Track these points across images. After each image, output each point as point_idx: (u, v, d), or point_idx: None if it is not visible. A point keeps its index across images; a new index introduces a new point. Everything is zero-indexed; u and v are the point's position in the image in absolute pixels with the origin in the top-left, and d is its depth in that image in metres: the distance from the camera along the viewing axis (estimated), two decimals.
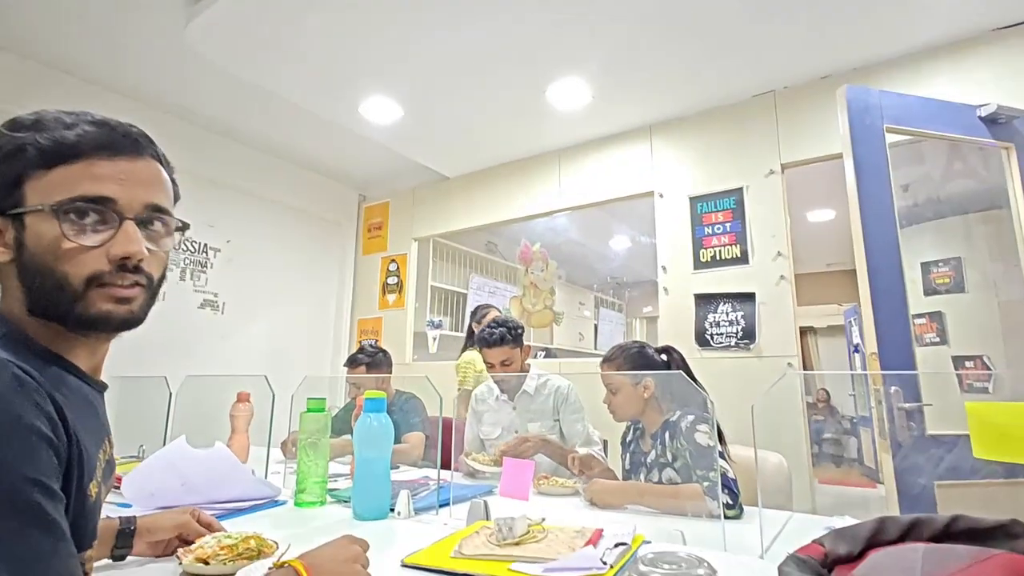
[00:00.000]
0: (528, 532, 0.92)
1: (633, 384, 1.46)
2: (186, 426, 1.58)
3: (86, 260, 0.59)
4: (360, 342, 4.19)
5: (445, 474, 1.50)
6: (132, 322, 0.63)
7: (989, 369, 2.84)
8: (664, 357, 1.55)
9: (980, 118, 2.03)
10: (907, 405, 1.68)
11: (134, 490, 1.18)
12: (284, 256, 3.91)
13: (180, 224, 0.69)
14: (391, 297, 4.07)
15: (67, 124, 0.60)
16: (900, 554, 0.62)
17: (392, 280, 4.10)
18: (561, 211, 3.51)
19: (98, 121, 0.62)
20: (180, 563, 0.85)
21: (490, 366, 2.06)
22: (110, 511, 1.17)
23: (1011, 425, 0.79)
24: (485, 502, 1.12)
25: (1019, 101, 2.05)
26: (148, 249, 0.63)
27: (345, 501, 1.32)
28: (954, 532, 0.63)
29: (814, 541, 0.67)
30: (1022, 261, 1.96)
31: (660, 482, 1.41)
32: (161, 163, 0.67)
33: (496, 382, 2.11)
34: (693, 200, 2.91)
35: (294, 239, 4.01)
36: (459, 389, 2.85)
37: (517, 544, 0.89)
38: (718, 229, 2.80)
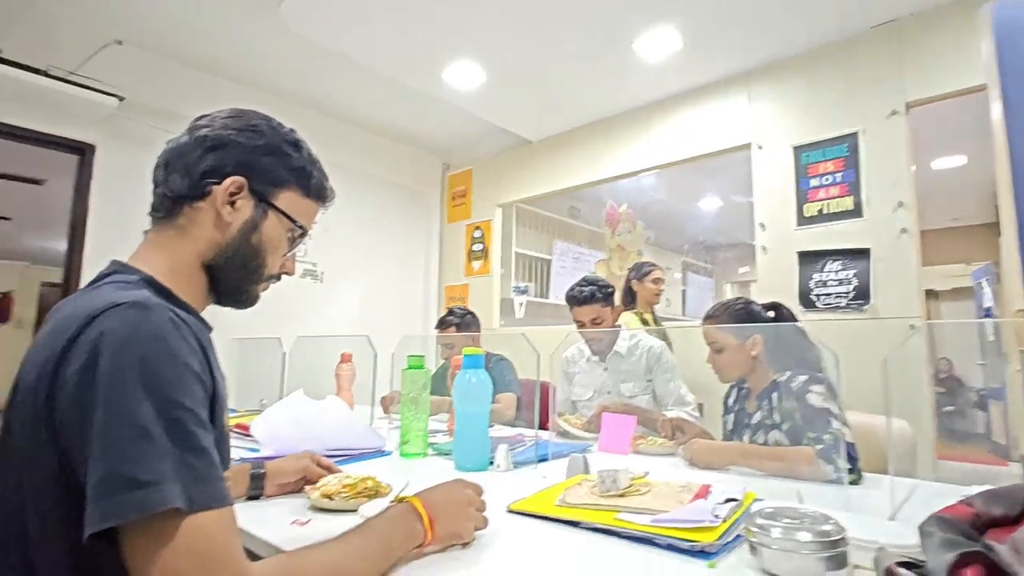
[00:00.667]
0: (631, 485, 0.91)
1: (740, 342, 1.38)
2: (297, 382, 1.70)
3: (278, 262, 0.77)
4: (447, 307, 4.32)
5: (541, 433, 1.52)
6: (254, 304, 0.80)
7: None
8: (771, 314, 1.46)
9: None
10: None
11: (263, 434, 1.29)
12: (374, 227, 4.08)
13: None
14: (476, 264, 4.14)
15: (325, 175, 0.80)
16: None
17: (477, 247, 4.16)
18: (650, 170, 3.37)
19: (328, 179, 0.81)
20: (308, 498, 0.93)
21: (579, 324, 2.04)
22: (241, 455, 1.30)
23: None
24: (584, 457, 1.12)
25: None
26: None
27: (446, 454, 1.37)
28: None
29: (960, 502, 0.60)
30: None
31: (766, 444, 1.34)
32: None
33: (587, 343, 2.09)
34: (797, 150, 2.67)
35: (382, 210, 4.17)
36: None
37: (621, 496, 0.88)
38: (827, 180, 2.56)
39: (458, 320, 2.41)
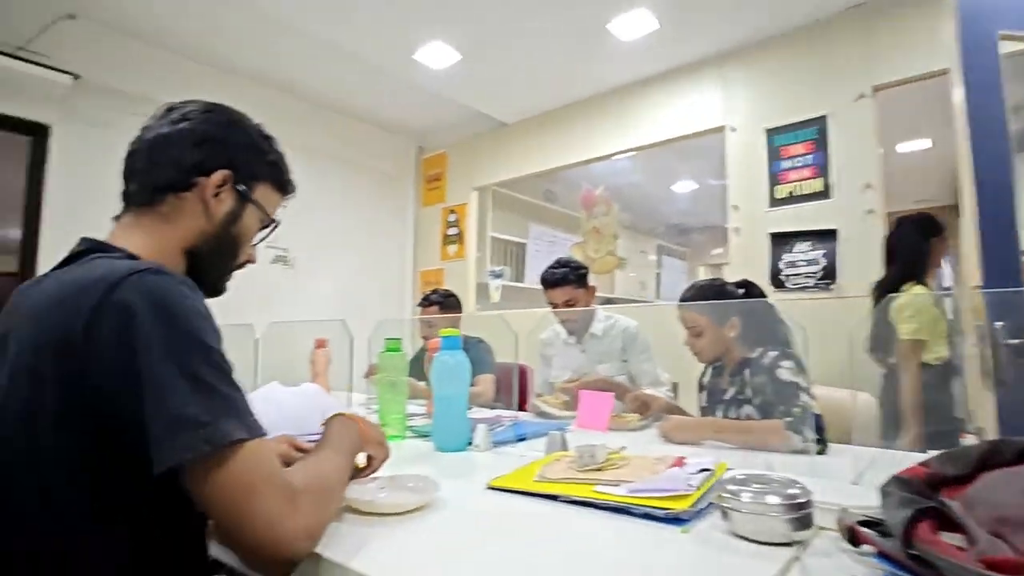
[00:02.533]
0: (608, 460, 0.93)
1: (718, 324, 1.41)
2: (271, 370, 1.68)
3: (246, 252, 0.82)
4: (423, 292, 4.30)
5: (520, 414, 1.53)
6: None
7: None
8: (742, 292, 1.49)
9: None
10: (1015, 341, 1.54)
11: None
12: (346, 211, 4.01)
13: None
14: (452, 248, 4.12)
15: (286, 165, 0.85)
16: (1020, 474, 0.58)
17: (452, 231, 4.13)
18: (625, 152, 3.39)
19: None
20: None
21: (553, 306, 2.05)
22: None
23: None
24: (563, 435, 1.13)
25: None
26: None
27: (424, 436, 1.38)
28: None
29: (918, 464, 0.63)
30: None
31: (738, 419, 1.38)
32: None
33: (563, 325, 2.10)
34: (770, 132, 2.72)
35: (355, 194, 4.10)
36: None
37: (599, 470, 0.90)
38: (797, 162, 2.62)
39: (441, 300, 2.41)
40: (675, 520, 0.72)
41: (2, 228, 6.54)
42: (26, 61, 2.55)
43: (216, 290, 0.80)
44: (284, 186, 0.85)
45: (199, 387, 0.57)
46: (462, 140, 4.18)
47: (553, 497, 0.83)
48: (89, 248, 0.69)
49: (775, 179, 2.68)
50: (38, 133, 2.71)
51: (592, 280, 2.15)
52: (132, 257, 0.67)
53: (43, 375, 0.57)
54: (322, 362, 2.06)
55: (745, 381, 1.38)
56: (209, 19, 2.81)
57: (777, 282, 2.60)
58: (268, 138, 0.82)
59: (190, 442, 0.54)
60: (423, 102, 3.77)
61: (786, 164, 2.65)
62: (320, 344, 2.04)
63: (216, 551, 0.74)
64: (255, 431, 0.59)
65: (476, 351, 2.27)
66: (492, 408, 2.06)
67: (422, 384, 2.13)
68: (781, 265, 2.60)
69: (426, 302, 2.45)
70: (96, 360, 0.56)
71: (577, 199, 3.89)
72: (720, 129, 2.92)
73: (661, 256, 6.99)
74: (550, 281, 2.01)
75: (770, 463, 0.94)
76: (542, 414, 1.79)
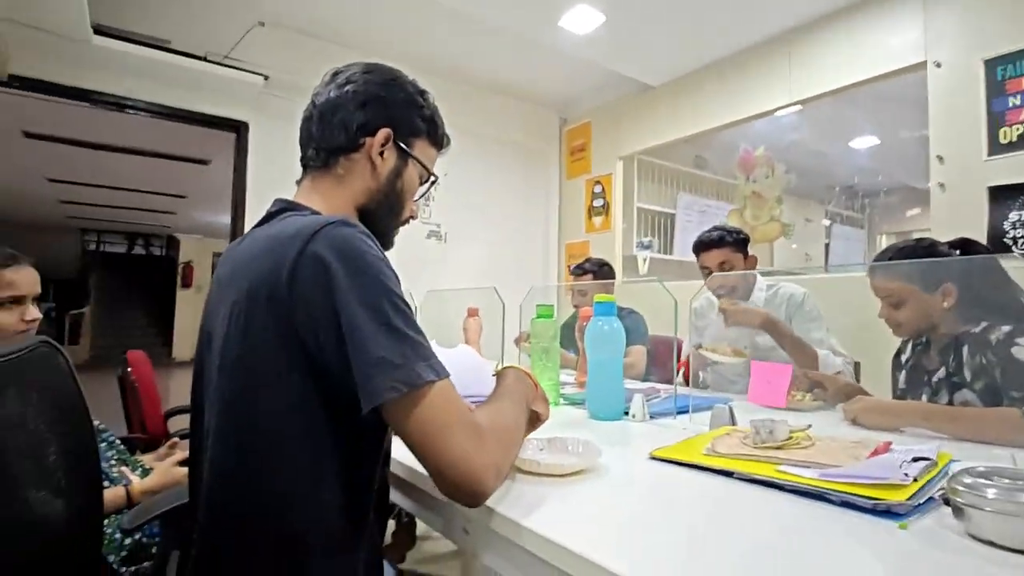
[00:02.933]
0: (791, 438, 0.82)
1: (926, 291, 1.18)
2: (428, 334, 1.77)
3: (408, 208, 0.84)
4: (568, 266, 4.29)
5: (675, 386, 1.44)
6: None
7: None
8: (958, 253, 1.23)
9: None
10: None
11: None
12: (492, 187, 4.12)
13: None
14: (597, 220, 4.03)
15: (444, 123, 0.86)
16: None
17: (598, 203, 4.04)
18: (789, 107, 3.01)
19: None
20: None
21: (705, 271, 1.89)
22: None
23: None
24: (730, 407, 1.03)
25: None
26: None
27: (578, 404, 1.36)
28: None
29: None
30: None
31: (950, 405, 1.15)
32: None
33: (716, 296, 1.93)
34: (990, 63, 2.21)
35: (500, 169, 4.18)
36: None
37: (779, 448, 0.80)
38: None
39: (595, 269, 2.38)
40: (887, 513, 0.61)
41: (220, 215, 7.85)
42: (230, 67, 2.96)
43: (385, 245, 0.81)
44: (440, 140, 0.86)
45: (391, 332, 0.61)
46: (606, 108, 4.04)
47: (727, 473, 0.75)
48: (282, 208, 0.75)
49: (997, 120, 2.17)
50: (240, 129, 3.16)
51: (751, 251, 1.94)
52: (317, 214, 0.72)
53: (256, 316, 0.63)
54: (475, 329, 2.14)
55: (962, 361, 1.14)
56: (366, 9, 3.01)
57: (1001, 246, 2.13)
58: (423, 93, 0.83)
59: (389, 383, 0.58)
60: (566, 72, 3.70)
61: (1013, 101, 2.14)
62: (472, 312, 2.12)
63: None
64: (442, 372, 0.63)
65: (630, 320, 2.19)
66: (644, 381, 1.98)
67: (571, 354, 2.12)
68: (1006, 226, 2.12)
69: (580, 270, 2.43)
70: (301, 305, 0.61)
71: (731, 164, 3.55)
72: (920, 66, 2.44)
73: (831, 224, 6.17)
74: (705, 243, 1.86)
75: (1016, 457, 0.76)
76: (709, 366, 1.67)
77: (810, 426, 0.86)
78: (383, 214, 0.81)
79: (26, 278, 1.15)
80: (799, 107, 3.05)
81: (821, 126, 4.13)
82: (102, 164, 5.99)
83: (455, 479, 0.60)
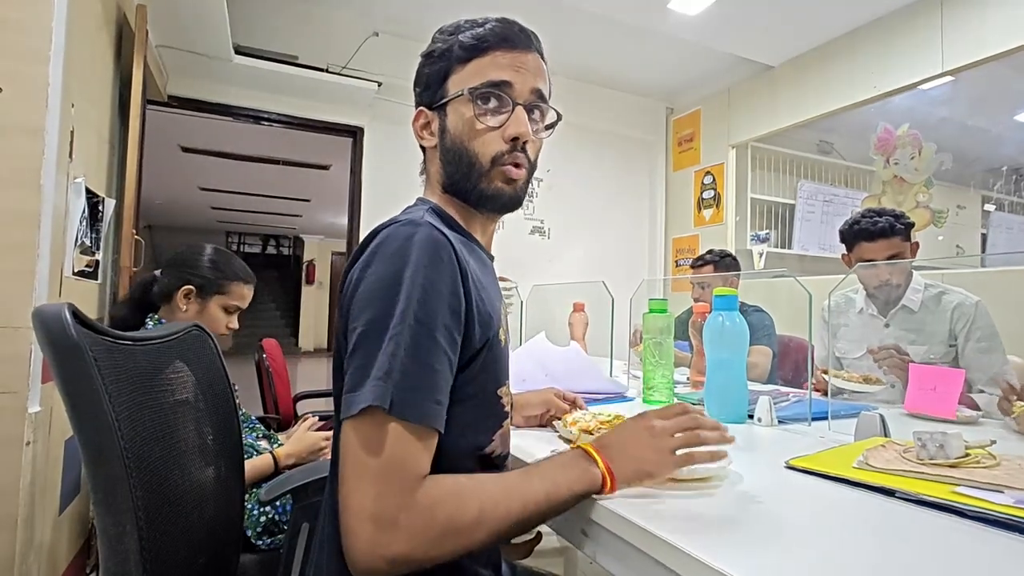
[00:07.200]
0: (968, 455, 0.69)
1: None
2: (534, 328, 1.76)
3: (489, 141, 0.69)
4: (675, 261, 4.10)
5: (802, 392, 1.31)
6: (515, 201, 0.73)
7: None
8: None
9: None
10: None
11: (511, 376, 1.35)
12: (595, 182, 4.04)
13: (555, 116, 0.75)
14: (707, 212, 3.82)
15: (478, 23, 0.72)
16: None
17: (708, 194, 3.82)
18: (937, 78, 2.63)
19: (500, 19, 0.72)
20: (557, 431, 0.94)
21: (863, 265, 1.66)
22: None
23: None
24: (881, 416, 0.91)
25: None
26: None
27: (695, 403, 1.27)
28: None
29: None
30: None
31: None
32: (543, 59, 0.75)
33: (867, 292, 1.71)
34: None
35: (604, 164, 4.10)
36: None
37: (952, 467, 0.68)
38: None
39: (716, 260, 2.23)
40: None
41: (339, 216, 8.45)
42: (349, 76, 3.16)
43: (493, 197, 0.70)
44: (471, 49, 0.70)
45: (369, 345, 0.55)
46: (717, 95, 3.80)
47: (887, 491, 0.65)
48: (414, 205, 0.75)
49: None
50: (356, 134, 3.36)
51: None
52: (435, 206, 0.72)
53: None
54: (580, 325, 2.10)
55: None
56: (470, 13, 3.06)
57: None
58: (456, 28, 0.73)
59: (346, 402, 0.54)
60: (673, 60, 3.53)
61: None
62: (578, 308, 2.08)
63: None
64: (408, 412, 0.53)
65: (755, 318, 2.03)
66: (766, 384, 1.83)
67: (685, 354, 2.01)
68: None
69: (700, 261, 2.30)
70: (345, 302, 0.61)
71: (864, 147, 3.19)
72: None
73: (989, 211, 5.35)
74: (871, 232, 1.58)
75: None
76: (835, 392, 1.49)
77: (994, 442, 0.72)
78: (461, 177, 0.70)
79: (249, 296, 1.40)
80: (950, 78, 2.66)
81: (975, 99, 3.60)
82: (241, 172, 6.69)
83: (344, 538, 0.51)
